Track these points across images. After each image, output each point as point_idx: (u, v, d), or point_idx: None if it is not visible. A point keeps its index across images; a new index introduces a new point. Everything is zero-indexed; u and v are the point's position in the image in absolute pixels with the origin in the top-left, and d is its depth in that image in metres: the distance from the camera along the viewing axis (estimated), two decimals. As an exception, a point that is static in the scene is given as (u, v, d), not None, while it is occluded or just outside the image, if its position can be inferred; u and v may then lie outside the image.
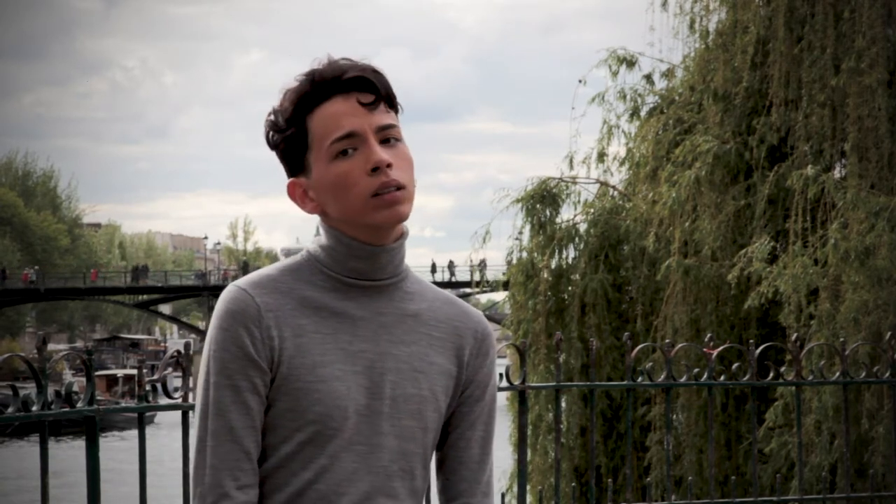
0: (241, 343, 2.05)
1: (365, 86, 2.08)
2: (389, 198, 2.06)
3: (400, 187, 2.07)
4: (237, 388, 2.05)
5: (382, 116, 2.09)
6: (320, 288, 2.11)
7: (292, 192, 2.13)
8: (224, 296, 2.09)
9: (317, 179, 2.09)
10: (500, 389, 5.36)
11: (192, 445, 2.09)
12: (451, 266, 69.72)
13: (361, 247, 2.10)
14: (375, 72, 2.10)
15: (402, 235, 2.13)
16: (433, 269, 70.32)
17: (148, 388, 4.40)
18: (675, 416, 12.83)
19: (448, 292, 2.25)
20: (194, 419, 2.11)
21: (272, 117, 2.12)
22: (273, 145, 2.13)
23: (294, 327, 2.07)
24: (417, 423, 2.12)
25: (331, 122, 2.07)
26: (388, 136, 2.08)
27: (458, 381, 2.18)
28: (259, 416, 2.06)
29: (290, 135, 2.10)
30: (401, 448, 2.11)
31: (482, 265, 17.69)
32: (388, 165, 2.06)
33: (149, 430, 4.53)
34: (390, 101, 2.11)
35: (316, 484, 2.06)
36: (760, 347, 6.04)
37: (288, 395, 2.06)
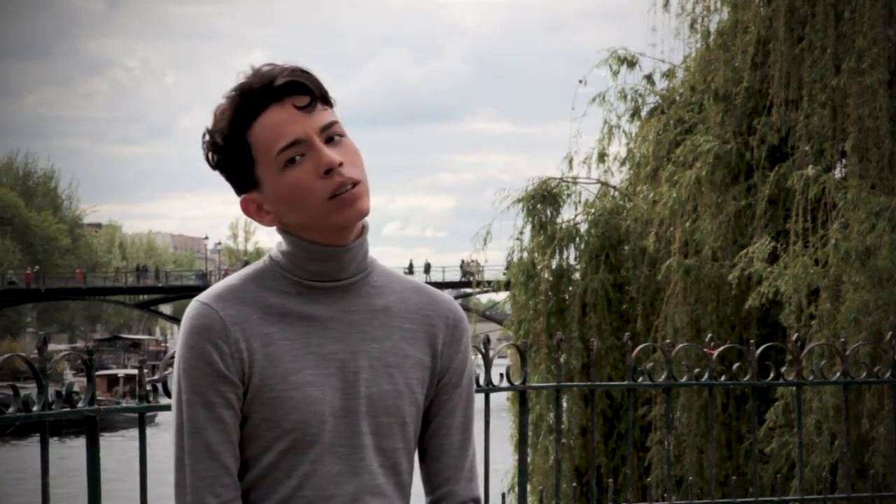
0: (209, 359, 2.03)
1: (297, 89, 2.05)
2: (348, 196, 2.04)
3: (355, 183, 2.05)
4: (210, 405, 2.03)
5: (322, 116, 2.06)
6: (285, 293, 2.09)
7: (247, 209, 2.11)
8: (188, 312, 2.07)
9: (270, 192, 2.07)
10: (501, 389, 5.36)
11: (171, 464, 2.07)
12: (427, 267, 70.03)
13: (323, 249, 2.08)
14: (304, 72, 2.07)
15: (363, 231, 2.12)
16: (427, 268, 70.38)
17: (149, 388, 4.40)
18: (675, 416, 12.83)
19: (417, 281, 2.23)
20: (171, 437, 2.09)
21: (208, 138, 2.08)
22: (215, 166, 2.10)
23: (262, 337, 2.06)
24: (395, 419, 2.11)
25: (272, 133, 2.04)
26: (331, 135, 2.06)
27: (433, 370, 2.17)
28: (235, 430, 2.05)
29: (232, 153, 2.07)
30: (381, 445, 2.11)
31: (479, 267, 17.67)
32: (340, 164, 2.04)
33: (149, 430, 4.53)
34: (325, 99, 2.08)
35: (301, 491, 2.06)
36: (761, 347, 6.05)
37: (263, 406, 2.05)
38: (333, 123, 2.07)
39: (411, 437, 2.15)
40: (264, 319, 2.07)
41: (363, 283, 2.13)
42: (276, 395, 2.04)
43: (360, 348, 2.10)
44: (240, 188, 2.11)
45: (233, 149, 2.06)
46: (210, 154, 2.09)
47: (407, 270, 69.11)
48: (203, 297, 2.08)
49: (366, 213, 2.07)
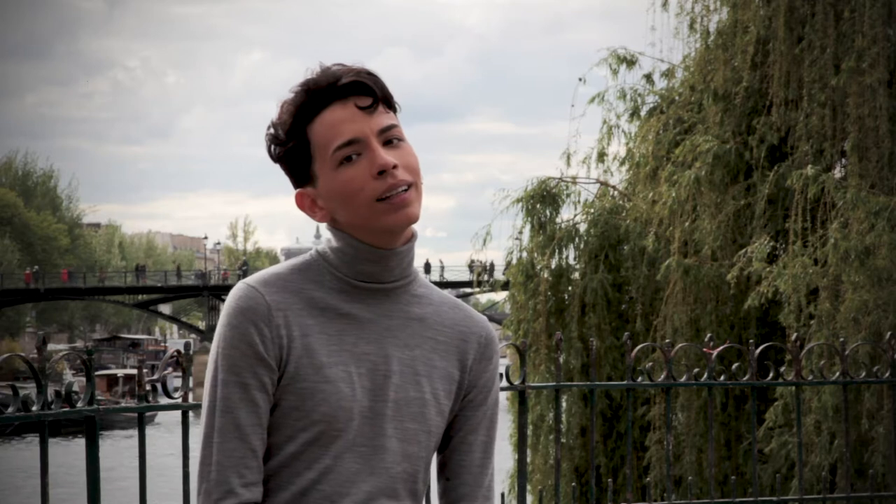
0: (250, 340, 2.05)
1: (361, 89, 2.07)
2: (398, 200, 2.06)
3: (408, 187, 2.07)
4: (245, 386, 2.05)
5: (382, 118, 2.08)
6: (328, 289, 2.11)
7: (301, 203, 2.13)
8: (234, 293, 2.09)
9: (324, 188, 2.09)
10: (501, 389, 5.35)
11: (199, 441, 2.09)
12: (427, 267, 69.94)
13: (371, 250, 2.10)
14: (370, 74, 2.09)
15: (412, 238, 2.13)
16: (427, 268, 70.36)
17: (148, 387, 4.39)
18: (674, 416, 12.82)
19: (454, 297, 2.25)
20: (201, 415, 2.10)
21: (272, 131, 2.11)
22: (276, 159, 2.12)
23: (302, 327, 2.08)
24: (420, 426, 2.13)
25: (331, 131, 2.06)
26: (390, 138, 2.08)
27: (460, 385, 2.18)
28: (266, 414, 2.06)
29: (292, 147, 2.09)
30: (403, 450, 2.12)
31: (490, 268, 17.68)
32: (394, 167, 2.06)
33: (149, 430, 4.52)
34: (388, 102, 2.10)
35: (319, 484, 2.07)
36: (760, 347, 6.04)
37: (294, 395, 2.06)
38: (393, 127, 2.09)
39: (432, 447, 2.17)
40: (306, 311, 2.09)
41: (404, 289, 2.15)
42: (308, 385, 2.06)
43: (392, 353, 2.12)
44: (296, 182, 2.13)
45: (293, 143, 2.08)
46: (272, 147, 2.12)
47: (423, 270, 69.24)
48: (250, 280, 2.10)
49: (415, 220, 2.09)
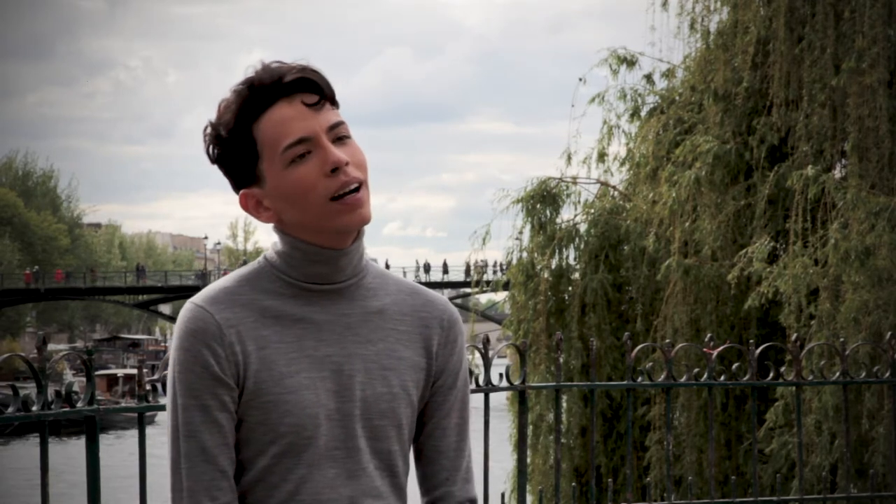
0: (204, 362, 2.02)
1: (307, 86, 2.04)
2: (352, 200, 2.03)
3: (359, 186, 2.03)
4: (206, 408, 2.02)
5: (330, 115, 2.05)
6: (280, 295, 2.07)
7: (245, 204, 2.08)
8: (183, 315, 2.05)
9: (272, 188, 2.05)
10: (501, 389, 5.36)
11: (167, 467, 2.06)
12: (426, 267, 69.86)
13: (320, 251, 2.07)
14: (314, 71, 2.05)
15: (360, 235, 2.10)
16: (427, 268, 70.30)
17: (148, 387, 4.40)
18: (675, 416, 12.82)
19: (412, 282, 2.22)
20: (167, 441, 2.07)
21: (211, 130, 2.06)
22: (216, 159, 2.08)
23: (257, 339, 2.04)
24: (391, 422, 2.10)
25: (280, 129, 2.02)
26: (339, 135, 2.05)
27: (428, 372, 2.16)
28: (231, 433, 2.04)
29: (236, 146, 2.05)
30: (377, 448, 2.10)
31: (483, 267, 17.67)
32: (346, 164, 2.03)
33: (149, 430, 4.52)
34: (332, 99, 2.07)
35: (298, 495, 2.05)
36: (760, 347, 6.04)
37: (258, 409, 2.03)
38: (341, 124, 2.06)
39: (406, 439, 2.14)
40: (259, 322, 2.05)
41: (358, 285, 2.12)
42: (271, 398, 2.03)
43: (354, 351, 2.09)
44: (239, 183, 2.09)
45: (237, 142, 2.04)
46: (211, 147, 2.07)
47: (422, 269, 69.15)
48: (197, 299, 2.06)
49: (367, 221, 2.06)
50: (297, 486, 2.05)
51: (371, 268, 2.15)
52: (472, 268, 17.21)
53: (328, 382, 2.07)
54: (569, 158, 15.16)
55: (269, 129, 2.03)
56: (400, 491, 2.14)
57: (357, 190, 2.03)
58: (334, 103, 2.07)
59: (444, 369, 2.18)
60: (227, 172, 2.09)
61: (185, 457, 2.03)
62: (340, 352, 2.08)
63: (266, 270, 2.10)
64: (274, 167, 2.04)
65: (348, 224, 2.04)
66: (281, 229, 2.09)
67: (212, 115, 2.07)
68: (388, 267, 69.29)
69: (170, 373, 2.06)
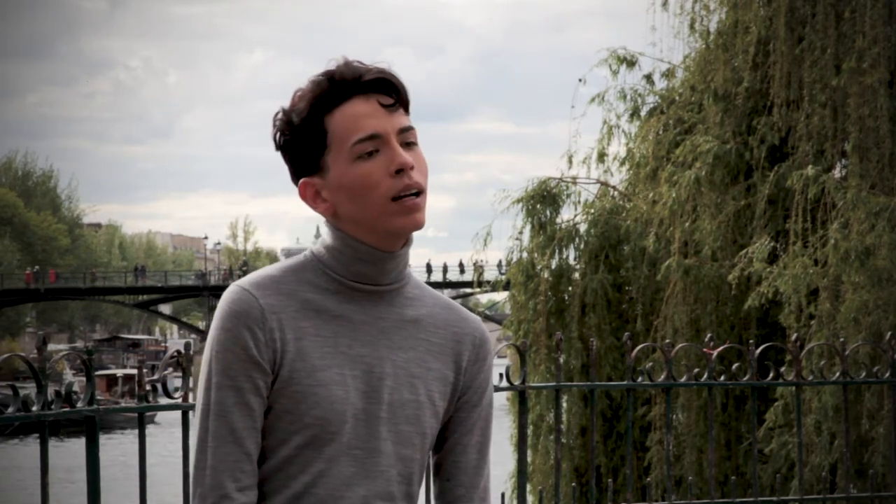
0: (244, 344, 2.04)
1: (385, 87, 2.07)
2: (410, 204, 2.05)
3: (420, 192, 2.06)
4: (240, 390, 2.04)
5: (402, 119, 2.08)
6: (323, 290, 2.10)
7: (304, 193, 2.11)
8: (227, 296, 2.07)
9: (334, 180, 2.07)
10: (501, 389, 5.35)
11: (192, 445, 2.08)
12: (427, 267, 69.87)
13: (369, 251, 2.09)
14: (393, 74, 2.09)
15: (408, 241, 2.12)
16: (428, 268, 70.26)
17: (148, 387, 4.39)
18: (675, 416, 12.82)
19: (447, 297, 2.24)
20: (195, 419, 2.09)
21: (283, 116, 2.09)
22: (284, 145, 2.10)
23: (296, 330, 2.06)
24: (415, 429, 2.12)
25: (352, 123, 2.05)
26: (407, 139, 2.08)
27: (455, 386, 2.17)
28: (260, 418, 2.05)
29: (307, 134, 2.07)
30: (398, 453, 2.11)
31: (481, 267, 17.67)
32: (412, 167, 2.06)
33: (149, 430, 4.52)
34: (406, 105, 2.10)
35: (314, 488, 2.06)
36: (760, 347, 6.04)
37: (287, 398, 2.05)
38: (411, 129, 2.09)
39: (427, 449, 2.16)
40: (300, 313, 2.07)
41: (398, 292, 2.14)
42: (302, 388, 2.05)
43: (386, 355, 2.11)
44: (300, 172, 2.10)
45: (308, 130, 2.07)
46: (280, 133, 2.09)
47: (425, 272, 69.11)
48: (243, 282, 2.08)
49: (422, 226, 2.08)
50: (315, 478, 2.06)
51: (412, 278, 2.18)
52: (472, 267, 17.20)
53: (359, 382, 2.08)
54: (570, 160, 15.17)
55: (342, 122, 2.06)
56: (411, 500, 2.15)
57: (417, 195, 2.06)
58: (407, 109, 2.10)
59: (471, 386, 2.19)
60: (291, 160, 2.11)
61: (212, 435, 2.04)
62: (373, 353, 2.10)
63: (312, 264, 2.12)
64: (340, 160, 2.06)
65: (404, 226, 2.07)
66: (334, 224, 2.11)
67: (286, 103, 2.09)
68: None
69: (206, 351, 2.07)
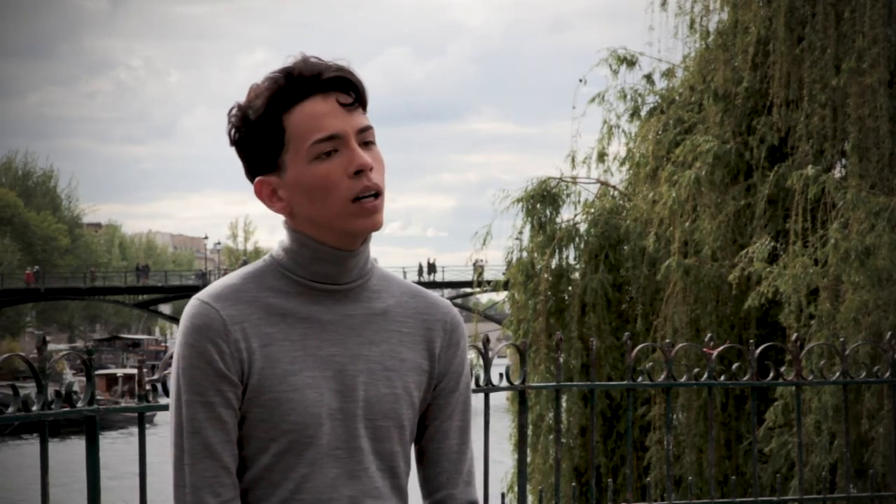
0: (209, 358, 2.02)
1: (344, 86, 2.05)
2: (370, 206, 2.04)
3: (378, 194, 2.05)
4: (210, 404, 2.02)
5: (361, 118, 2.06)
6: (285, 294, 2.08)
7: (259, 191, 2.08)
8: (188, 310, 2.05)
9: (291, 180, 2.05)
10: (501, 389, 5.36)
11: (170, 463, 2.06)
12: (430, 267, 69.77)
13: (328, 251, 2.07)
14: (352, 72, 2.06)
15: (367, 239, 2.11)
16: (431, 268, 70.21)
17: (148, 387, 4.40)
18: (675, 416, 12.83)
19: (415, 285, 2.22)
20: (170, 437, 2.07)
21: (238, 112, 2.06)
22: (239, 141, 2.07)
23: (262, 337, 2.05)
24: (393, 423, 2.11)
25: (312, 122, 2.02)
26: (366, 139, 2.06)
27: (430, 374, 2.16)
28: (234, 430, 2.04)
29: (263, 132, 2.04)
30: (379, 449, 2.10)
31: (481, 267, 17.69)
32: (371, 168, 2.04)
33: (149, 430, 4.53)
34: (365, 103, 2.08)
35: (299, 494, 2.05)
36: (760, 347, 6.04)
37: (260, 407, 2.04)
38: (370, 128, 2.07)
39: (408, 440, 2.15)
40: (265, 319, 2.05)
41: (363, 287, 2.12)
42: (274, 396, 2.03)
43: (358, 352, 2.09)
44: (255, 169, 2.08)
45: (264, 128, 2.04)
46: (235, 129, 2.07)
47: (425, 270, 69.03)
48: (203, 295, 2.06)
49: (379, 227, 2.07)
50: (299, 484, 2.05)
51: (376, 270, 2.16)
52: (473, 267, 17.20)
53: (331, 382, 2.07)
54: (573, 161, 15.18)
55: (301, 121, 2.03)
56: (400, 492, 2.14)
57: (376, 196, 2.05)
58: (365, 108, 2.08)
59: (447, 372, 2.18)
60: (246, 157, 2.09)
61: (188, 453, 2.03)
62: (344, 352, 2.09)
63: (272, 268, 2.10)
64: (298, 159, 2.04)
65: (363, 228, 2.05)
66: (290, 225, 2.10)
67: (241, 98, 2.07)
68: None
69: (174, 368, 2.06)
